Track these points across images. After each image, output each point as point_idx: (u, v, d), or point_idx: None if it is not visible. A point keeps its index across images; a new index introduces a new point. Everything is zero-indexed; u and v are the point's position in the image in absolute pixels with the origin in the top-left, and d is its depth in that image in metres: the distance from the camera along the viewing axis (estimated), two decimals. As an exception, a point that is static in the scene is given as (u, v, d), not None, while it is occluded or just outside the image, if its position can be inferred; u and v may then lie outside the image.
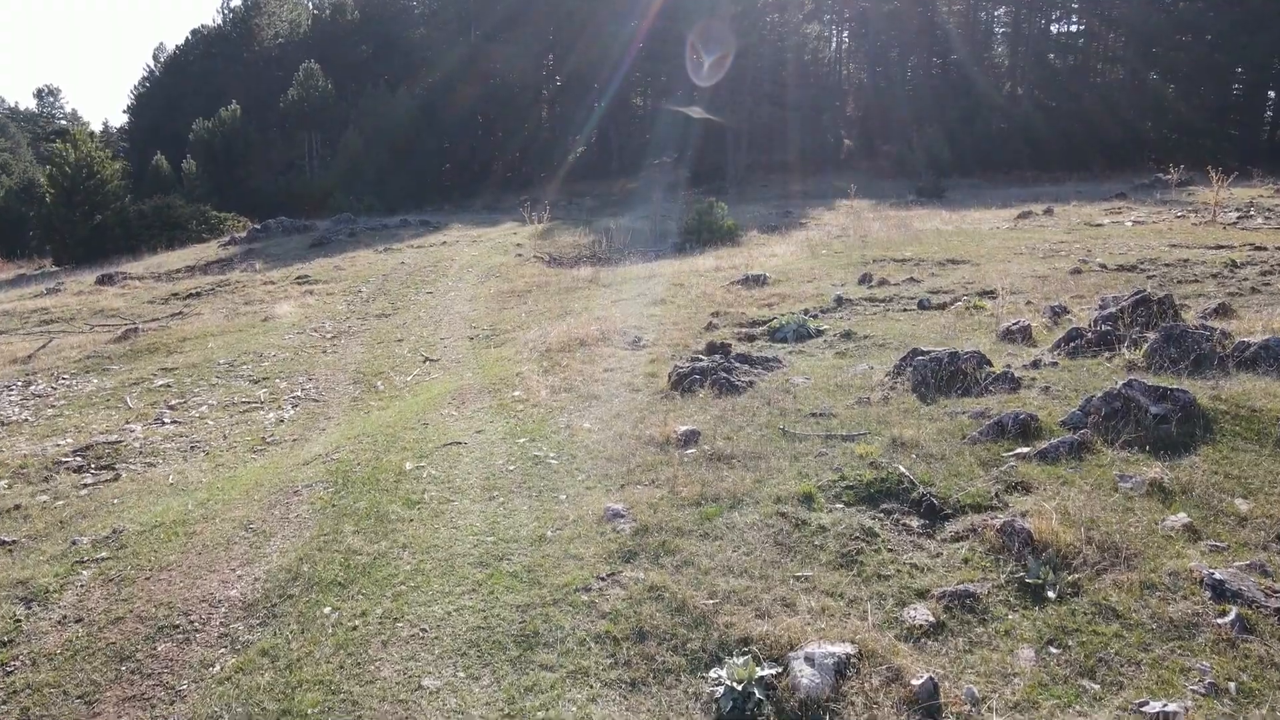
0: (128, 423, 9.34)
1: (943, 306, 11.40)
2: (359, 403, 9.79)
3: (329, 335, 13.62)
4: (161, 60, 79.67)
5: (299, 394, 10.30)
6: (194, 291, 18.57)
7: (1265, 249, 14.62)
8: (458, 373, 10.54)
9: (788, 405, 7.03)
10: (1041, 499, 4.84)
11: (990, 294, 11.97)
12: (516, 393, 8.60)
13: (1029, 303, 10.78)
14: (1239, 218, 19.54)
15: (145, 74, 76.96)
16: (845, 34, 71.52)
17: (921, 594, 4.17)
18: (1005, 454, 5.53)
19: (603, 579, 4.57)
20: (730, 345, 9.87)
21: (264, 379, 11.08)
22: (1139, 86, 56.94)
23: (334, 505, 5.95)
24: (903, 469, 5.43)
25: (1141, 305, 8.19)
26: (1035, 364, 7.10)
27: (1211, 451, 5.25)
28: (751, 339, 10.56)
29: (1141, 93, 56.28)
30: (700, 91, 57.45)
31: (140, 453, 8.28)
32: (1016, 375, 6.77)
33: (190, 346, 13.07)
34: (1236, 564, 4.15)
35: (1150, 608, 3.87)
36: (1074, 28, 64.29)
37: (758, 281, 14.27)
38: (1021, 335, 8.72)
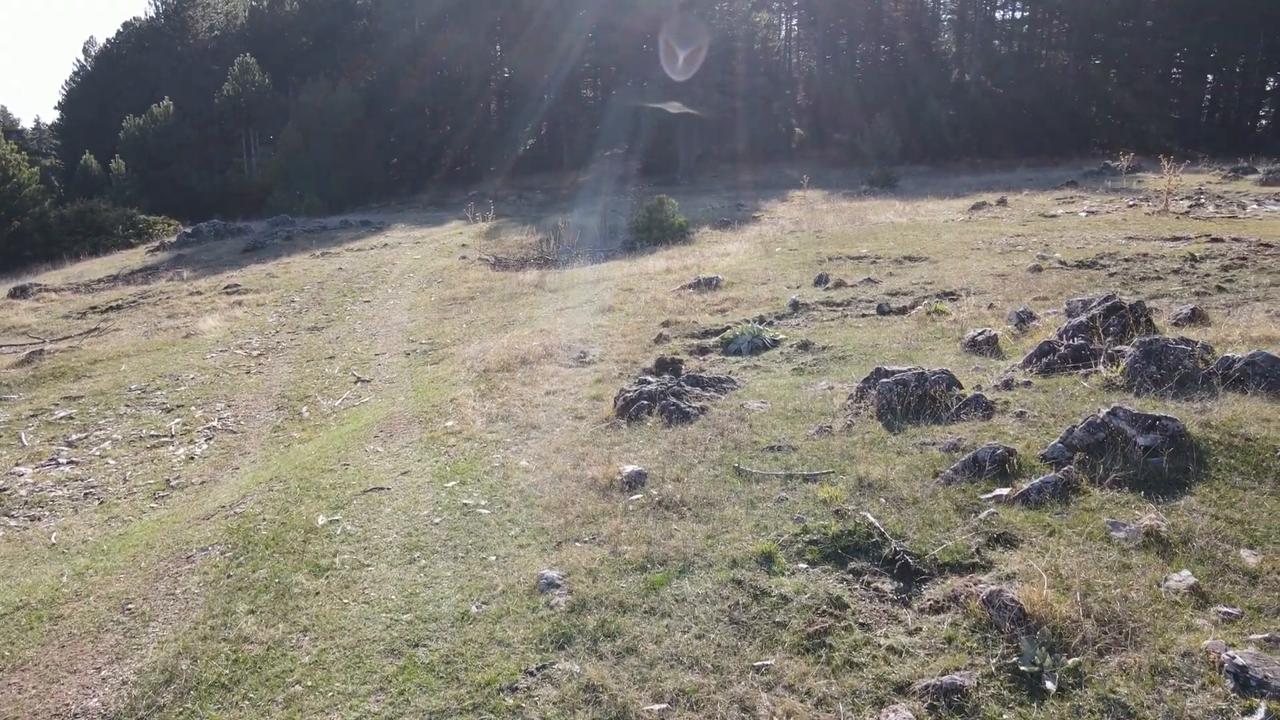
0: (17, 464, 8.43)
1: (903, 311, 10.90)
2: (280, 434, 8.98)
3: (255, 353, 12.70)
4: (92, 54, 76.49)
5: (215, 424, 9.44)
6: (114, 304, 17.42)
7: (1222, 240, 14.41)
8: (390, 396, 9.77)
9: (743, 436, 6.42)
10: (1029, 555, 4.29)
11: (951, 295, 11.52)
12: (449, 422, 7.88)
13: (991, 306, 10.32)
14: (1190, 206, 19.46)
15: (76, 69, 73.79)
16: (794, 22, 71.32)
17: (901, 688, 3.58)
18: (983, 496, 4.98)
19: (532, 673, 3.91)
20: (681, 361, 9.24)
21: (178, 407, 10.18)
22: (1083, 73, 57.60)
23: (230, 575, 5.19)
24: (871, 518, 4.84)
25: (1113, 313, 7.74)
26: (1007, 384, 6.58)
27: (1208, 491, 4.75)
28: (704, 351, 9.95)
29: (1085, 79, 56.94)
30: (651, 82, 56.76)
31: (26, 503, 7.40)
32: (989, 399, 6.24)
33: (101, 370, 12.08)
34: (1254, 636, 3.63)
35: (1165, 701, 3.32)
36: (1018, 14, 64.82)
37: (710, 285, 13.68)
38: (988, 346, 8.22)
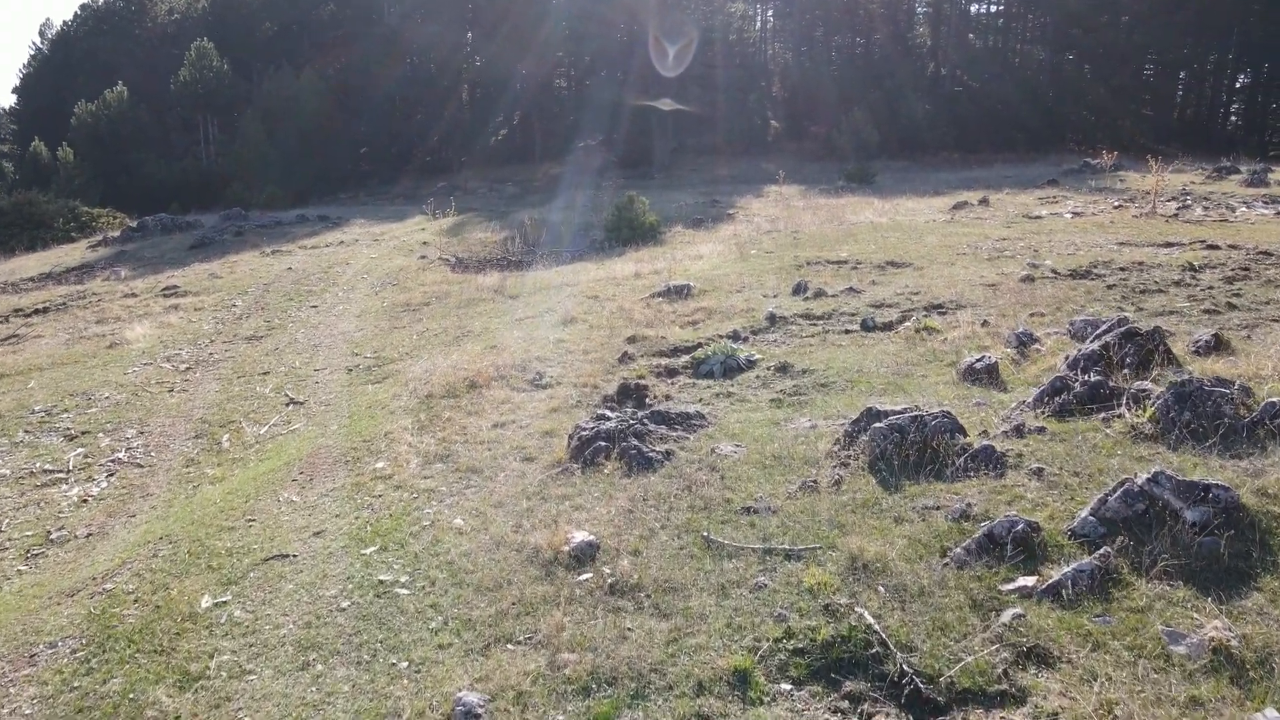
0: (-121, 509, 7.30)
1: (889, 326, 10.02)
2: (193, 469, 7.92)
3: (183, 367, 11.58)
4: (49, 37, 73.88)
5: (121, 456, 8.36)
6: (40, 307, 16.16)
7: (1218, 247, 13.71)
8: (323, 422, 8.73)
9: (713, 492, 5.50)
10: (1070, 683, 3.40)
11: (940, 309, 10.67)
12: (380, 463, 6.88)
13: (985, 323, 9.47)
14: (1178, 209, 18.81)
15: (33, 52, 71.17)
16: (770, 13, 70.43)
17: None
18: (1005, 588, 4.09)
19: None
20: (647, 386, 8.30)
21: (84, 433, 9.07)
22: (1058, 68, 57.29)
23: (73, 687, 4.18)
24: (870, 618, 3.94)
25: (1129, 340, 6.89)
26: (1019, 430, 5.70)
27: (1278, 585, 3.89)
28: (673, 373, 9.01)
29: (1060, 74, 56.64)
30: (628, 74, 55.65)
31: (-125, 562, 6.30)
32: (999, 450, 5.36)
33: (5, 387, 10.91)
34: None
35: None
36: (994, 8, 64.38)
37: (681, 293, 12.74)
38: (988, 375, 7.35)
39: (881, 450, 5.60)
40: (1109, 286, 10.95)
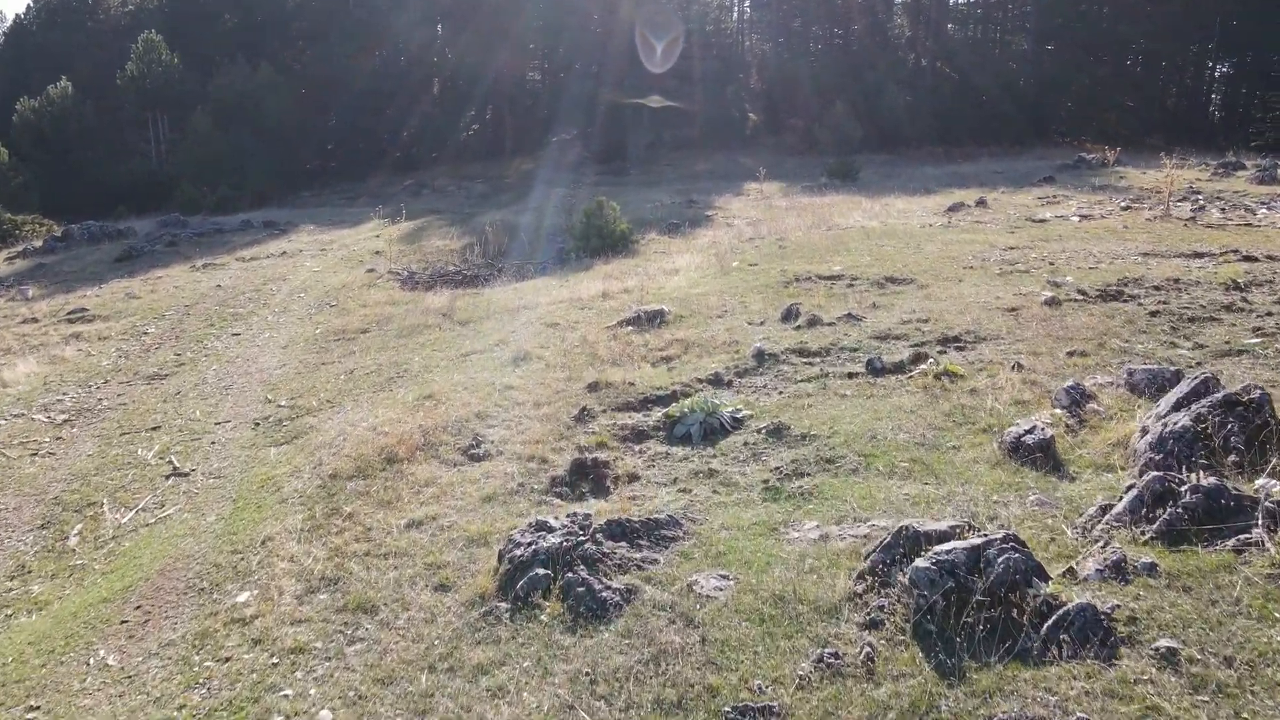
0: None
1: (900, 368, 8.36)
2: (20, 582, 6.13)
3: (61, 419, 9.73)
4: (3, 30, 70.76)
5: (-63, 558, 6.54)
6: (-75, 336, 14.17)
7: (1256, 259, 12.21)
8: (201, 508, 6.96)
9: (690, 673, 3.82)
10: None
11: (956, 342, 9.05)
12: (244, 595, 5.13)
13: (1019, 367, 7.84)
14: (1193, 210, 17.33)
15: (-15, 47, 68.00)
16: (747, 3, 68.72)
17: None
18: None
19: None
20: (607, 463, 6.60)
21: (-97, 522, 7.24)
22: (1040, 59, 56.04)
23: None
24: None
25: (1228, 411, 5.28)
26: (1118, 568, 4.06)
27: None
28: (641, 438, 7.31)
29: (1043, 65, 55.38)
30: (603, 67, 53.79)
31: None
32: (1100, 610, 3.71)
33: None
34: None
35: None
36: (974, -2, 63.12)
37: (653, 320, 11.03)
38: (1042, 454, 5.71)
39: (927, 604, 3.93)
40: (1152, 314, 9.36)
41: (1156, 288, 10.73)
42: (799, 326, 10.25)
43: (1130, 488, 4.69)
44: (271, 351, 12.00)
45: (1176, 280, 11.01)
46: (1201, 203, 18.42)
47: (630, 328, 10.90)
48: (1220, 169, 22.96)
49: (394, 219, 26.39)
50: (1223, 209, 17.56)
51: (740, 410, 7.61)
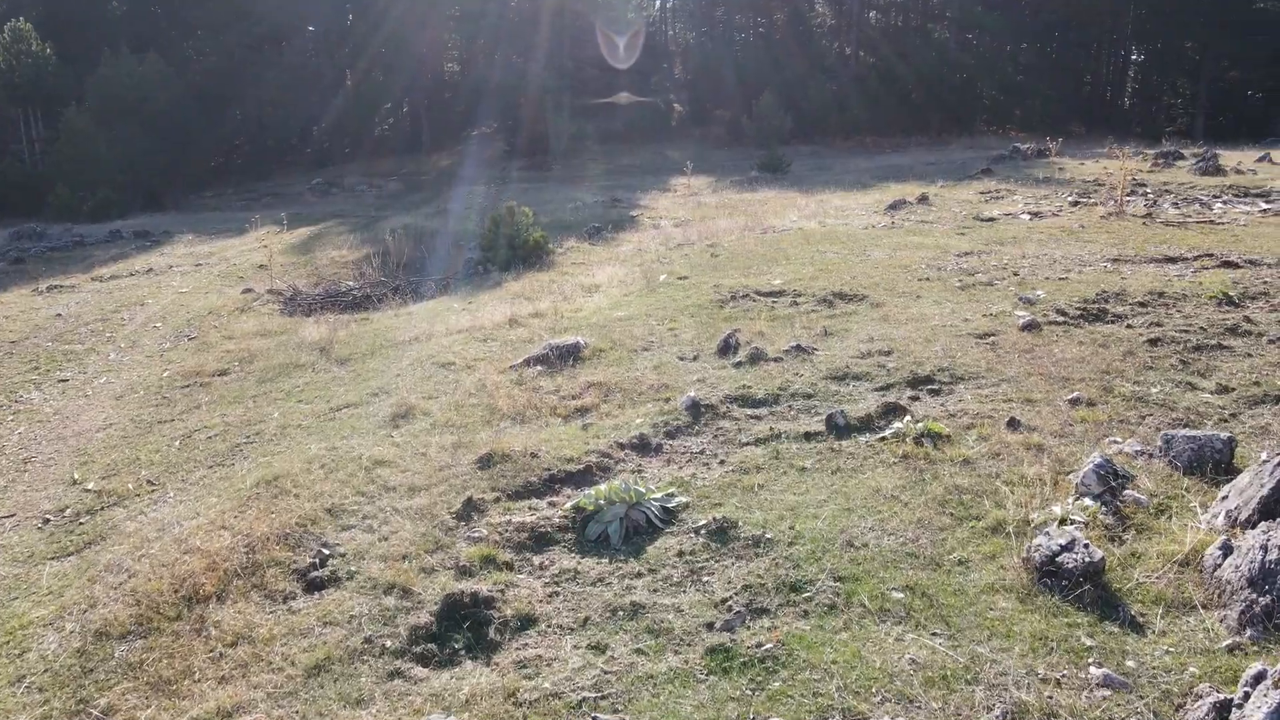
0: None
1: (867, 424, 6.74)
2: None
3: None
4: None
5: None
6: None
7: (1235, 264, 11.04)
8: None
9: None
10: None
11: (929, 384, 7.49)
12: None
13: (1015, 424, 6.30)
14: (1148, 207, 16.29)
15: None
16: (669, -9, 67.15)
17: None
18: None
19: None
20: (493, 599, 4.79)
21: None
22: (964, 47, 55.88)
23: None
24: None
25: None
26: None
27: None
28: (543, 544, 5.51)
29: (967, 52, 55.22)
30: (528, 59, 51.41)
31: None
32: None
33: None
34: None
35: None
36: (896, -15, 62.73)
37: (568, 357, 9.22)
38: (1088, 581, 4.12)
39: None
40: (1151, 343, 7.95)
41: (1142, 304, 9.39)
42: (739, 363, 8.58)
43: (1260, 677, 3.09)
44: (101, 404, 9.80)
45: (1161, 294, 9.70)
46: (1152, 197, 17.45)
47: (539, 368, 9.07)
48: (1160, 159, 22.21)
49: (289, 224, 23.96)
50: (1176, 204, 16.59)
51: (673, 495, 5.88)
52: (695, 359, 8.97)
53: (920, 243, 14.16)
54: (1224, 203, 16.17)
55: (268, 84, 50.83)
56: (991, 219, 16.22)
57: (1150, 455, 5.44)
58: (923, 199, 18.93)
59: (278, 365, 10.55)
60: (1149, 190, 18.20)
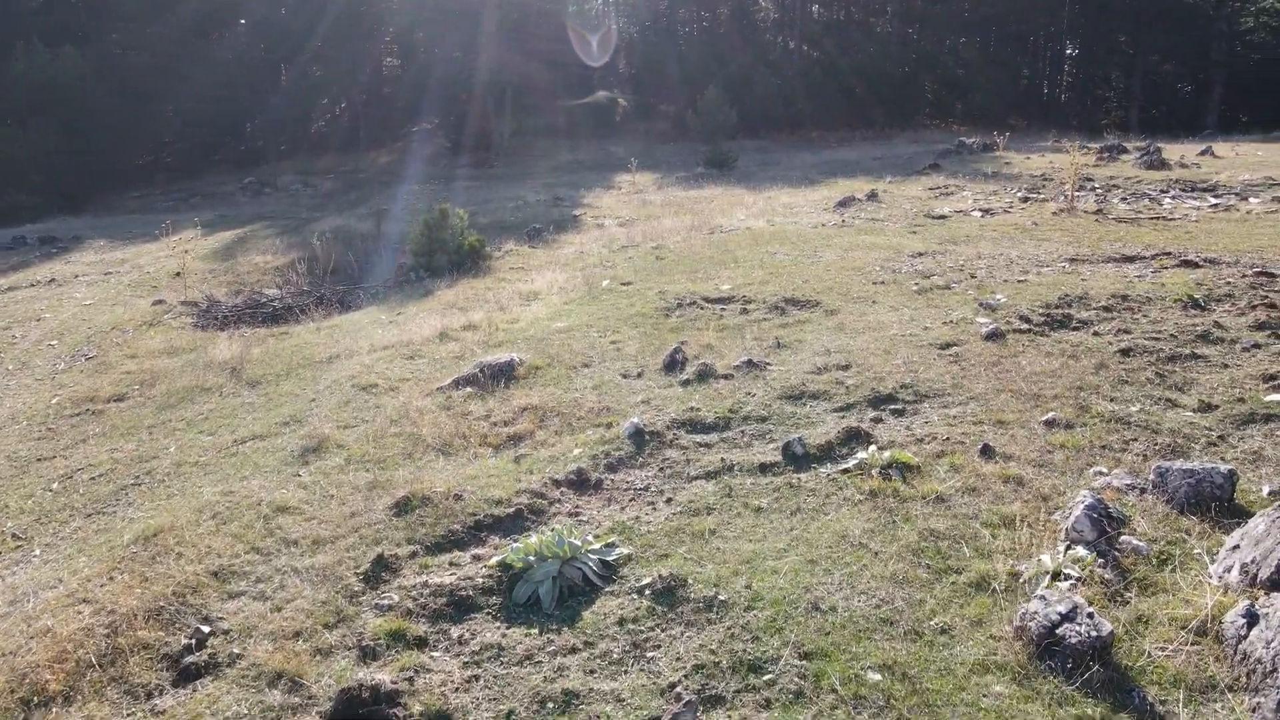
0: None
1: (827, 453, 6.12)
2: None
3: None
4: None
5: None
6: None
7: (1195, 263, 10.72)
8: None
9: None
10: None
11: (892, 403, 6.91)
12: None
13: (988, 452, 5.73)
14: (1098, 203, 16.06)
15: None
16: (611, -16, 66.29)
17: None
18: None
19: None
20: (398, 696, 4.02)
21: None
22: (906, 41, 56.18)
23: None
24: None
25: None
26: None
27: None
28: (462, 613, 4.75)
29: (909, 47, 55.53)
30: (470, 53, 50.04)
31: None
32: None
33: None
34: None
35: None
36: (838, -21, 62.76)
37: (500, 376, 8.45)
38: (1096, 660, 3.53)
39: None
40: (1123, 353, 7.47)
41: (1106, 309, 8.96)
42: (687, 381, 7.90)
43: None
44: (-25, 439, 8.73)
45: (1124, 297, 9.28)
46: (1101, 192, 17.26)
47: (469, 389, 8.28)
48: (1105, 153, 22.15)
49: (214, 226, 22.70)
50: (1125, 199, 16.40)
51: (613, 545, 5.18)
52: (639, 376, 8.27)
53: (872, 242, 13.66)
54: (1173, 198, 16.01)
55: (198, 79, 48.65)
56: (943, 216, 15.83)
57: (1143, 490, 4.89)
58: (872, 195, 18.50)
59: (181, 389, 9.57)
60: (1097, 185, 18.02)
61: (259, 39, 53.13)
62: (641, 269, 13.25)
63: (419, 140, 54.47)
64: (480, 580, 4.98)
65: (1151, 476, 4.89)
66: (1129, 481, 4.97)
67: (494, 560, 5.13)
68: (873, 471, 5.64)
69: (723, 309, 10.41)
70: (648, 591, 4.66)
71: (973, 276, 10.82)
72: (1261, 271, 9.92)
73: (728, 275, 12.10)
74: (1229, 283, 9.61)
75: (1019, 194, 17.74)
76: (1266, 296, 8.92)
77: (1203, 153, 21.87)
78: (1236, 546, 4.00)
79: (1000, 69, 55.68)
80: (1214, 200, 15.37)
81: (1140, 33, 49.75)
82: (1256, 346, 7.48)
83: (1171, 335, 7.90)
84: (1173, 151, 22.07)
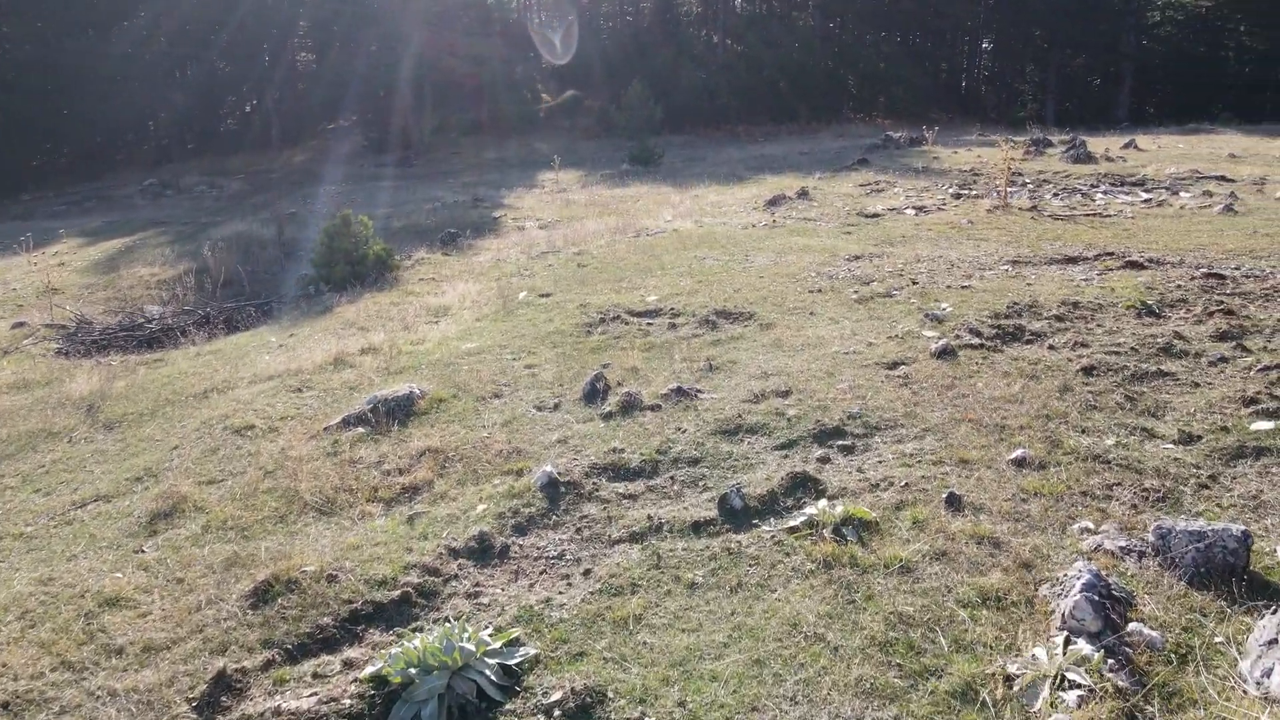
0: None
1: (772, 506, 5.27)
2: None
3: None
4: None
5: None
6: None
7: (1139, 263, 10.26)
8: None
9: None
10: None
11: (839, 437, 6.11)
12: None
13: (954, 503, 4.96)
14: (1032, 199, 15.68)
15: None
16: (531, -24, 64.91)
17: None
18: None
19: None
20: None
21: None
22: (828, 34, 56.25)
23: None
24: None
25: None
26: None
27: None
28: (323, 751, 3.74)
29: (831, 41, 55.60)
30: (386, 47, 48.00)
31: None
32: None
33: None
34: None
35: None
36: (760, -28, 62.58)
37: (397, 412, 7.39)
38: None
39: None
40: (1085, 372, 6.81)
41: (1058, 318, 8.35)
42: (609, 414, 6.97)
43: None
44: None
45: (1075, 304, 8.70)
46: (1032, 187, 16.93)
47: (360, 429, 7.20)
48: (1031, 147, 22.00)
49: (102, 234, 20.89)
50: (1057, 194, 16.08)
51: (517, 643, 4.22)
52: (556, 408, 7.32)
53: (806, 245, 12.95)
54: (1104, 193, 15.74)
55: (94, 75, 45.65)
56: (876, 215, 15.24)
57: (1141, 554, 4.15)
58: (802, 193, 17.85)
59: (24, 434, 8.23)
60: (1027, 180, 17.71)
61: (160, 32, 50.14)
62: (562, 278, 12.28)
63: (336, 138, 52.31)
64: (348, 702, 3.96)
65: (1151, 538, 4.15)
66: (1123, 543, 4.23)
67: (367, 672, 4.11)
68: (824, 532, 4.81)
69: (649, 323, 9.52)
70: (557, 712, 3.72)
71: (914, 282, 10.15)
72: (1210, 273, 9.48)
73: (654, 284, 11.21)
74: (1179, 286, 9.13)
75: (951, 190, 17.30)
76: (1221, 302, 8.43)
77: (1126, 146, 21.90)
78: (1274, 641, 3.26)
79: (920, 63, 56.23)
80: (1146, 195, 15.13)
81: (1054, 26, 50.65)
82: (1224, 360, 6.92)
83: (1133, 349, 7.29)
84: (1097, 144, 22.04)
